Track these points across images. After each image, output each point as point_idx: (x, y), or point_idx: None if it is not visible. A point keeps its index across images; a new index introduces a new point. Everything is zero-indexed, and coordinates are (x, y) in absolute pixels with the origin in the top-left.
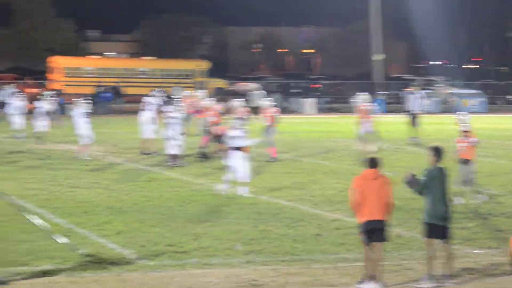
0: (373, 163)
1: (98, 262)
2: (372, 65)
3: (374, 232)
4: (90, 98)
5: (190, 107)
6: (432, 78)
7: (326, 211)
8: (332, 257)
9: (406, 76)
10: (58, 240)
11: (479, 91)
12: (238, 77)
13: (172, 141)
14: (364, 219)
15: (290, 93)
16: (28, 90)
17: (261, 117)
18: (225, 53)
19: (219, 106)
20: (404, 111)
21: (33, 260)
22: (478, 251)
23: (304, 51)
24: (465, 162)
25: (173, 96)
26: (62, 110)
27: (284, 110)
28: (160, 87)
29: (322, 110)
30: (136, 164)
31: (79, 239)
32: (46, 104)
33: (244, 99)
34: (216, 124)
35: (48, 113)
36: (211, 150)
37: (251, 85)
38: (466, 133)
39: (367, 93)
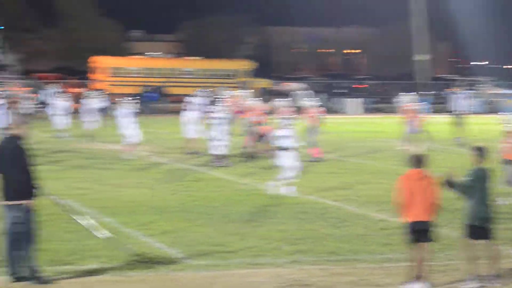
0: (418, 162)
1: (144, 261)
2: (415, 65)
3: (421, 232)
4: (138, 97)
5: (234, 107)
6: (475, 78)
7: (372, 212)
8: (378, 257)
9: (449, 77)
10: (103, 237)
11: None
12: (282, 77)
13: (216, 141)
14: (410, 219)
15: (333, 93)
16: (71, 89)
17: (304, 117)
18: (270, 53)
19: (263, 106)
20: (448, 111)
21: (78, 259)
22: None
23: (347, 51)
24: (509, 162)
25: (217, 96)
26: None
27: (328, 110)
28: (204, 87)
29: (368, 110)
30: (181, 164)
31: (125, 239)
32: (95, 103)
33: (288, 99)
34: (259, 124)
35: (99, 110)
36: (256, 150)
37: (293, 85)
38: (510, 133)
39: (414, 93)
